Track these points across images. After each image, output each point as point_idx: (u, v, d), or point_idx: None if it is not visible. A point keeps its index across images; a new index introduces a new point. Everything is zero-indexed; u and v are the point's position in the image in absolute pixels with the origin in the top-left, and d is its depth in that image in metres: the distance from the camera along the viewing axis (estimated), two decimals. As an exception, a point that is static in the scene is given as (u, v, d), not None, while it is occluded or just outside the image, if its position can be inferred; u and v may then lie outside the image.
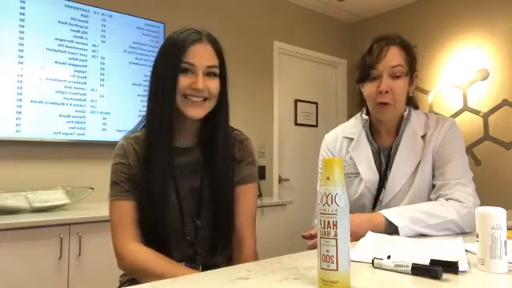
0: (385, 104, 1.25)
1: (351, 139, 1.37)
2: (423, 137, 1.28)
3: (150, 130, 1.05)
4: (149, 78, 1.09)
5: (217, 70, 1.05)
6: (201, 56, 1.02)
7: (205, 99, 1.03)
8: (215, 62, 1.05)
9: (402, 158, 1.27)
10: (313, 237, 1.09)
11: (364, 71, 1.27)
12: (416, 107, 1.36)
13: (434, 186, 1.24)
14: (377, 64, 1.24)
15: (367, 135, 1.34)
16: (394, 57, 1.24)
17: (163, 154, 1.03)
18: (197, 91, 1.01)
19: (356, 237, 1.02)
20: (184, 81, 1.01)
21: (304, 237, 1.11)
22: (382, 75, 1.24)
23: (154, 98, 1.04)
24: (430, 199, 1.23)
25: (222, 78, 1.07)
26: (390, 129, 1.33)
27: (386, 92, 1.23)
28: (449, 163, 1.22)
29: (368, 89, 1.28)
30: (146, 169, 1.03)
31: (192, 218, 1.07)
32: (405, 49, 1.26)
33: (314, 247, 1.06)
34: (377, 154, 1.31)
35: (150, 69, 1.09)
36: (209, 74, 1.03)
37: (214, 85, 1.04)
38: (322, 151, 1.44)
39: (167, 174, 1.04)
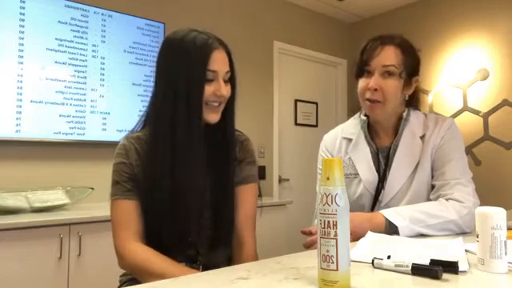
0: (373, 101, 1.25)
1: (350, 140, 1.37)
2: (422, 137, 1.28)
3: (165, 134, 1.02)
4: (153, 78, 1.08)
5: (229, 74, 1.07)
6: (221, 63, 1.03)
7: (220, 103, 1.05)
8: (229, 67, 1.07)
9: (400, 158, 1.27)
10: (311, 234, 1.08)
11: (358, 67, 1.29)
12: (417, 108, 1.36)
13: (433, 187, 1.24)
14: (370, 61, 1.24)
15: (366, 136, 1.34)
16: (387, 56, 1.23)
17: (197, 158, 1.03)
18: (220, 98, 1.03)
19: (356, 236, 1.02)
20: (208, 89, 1.02)
21: (303, 232, 1.10)
22: (374, 73, 1.24)
23: (172, 103, 1.02)
24: (429, 199, 1.23)
25: (232, 81, 1.09)
26: (388, 129, 1.33)
27: (376, 90, 1.23)
28: (448, 163, 1.22)
29: (359, 84, 1.29)
30: (168, 169, 1.01)
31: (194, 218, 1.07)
32: (402, 50, 1.25)
33: (309, 245, 1.06)
34: (375, 155, 1.31)
35: (154, 68, 1.08)
36: (224, 78, 1.05)
37: (228, 89, 1.07)
38: (321, 152, 1.44)
39: (201, 181, 1.04)
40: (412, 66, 1.27)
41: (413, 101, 1.34)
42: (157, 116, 1.06)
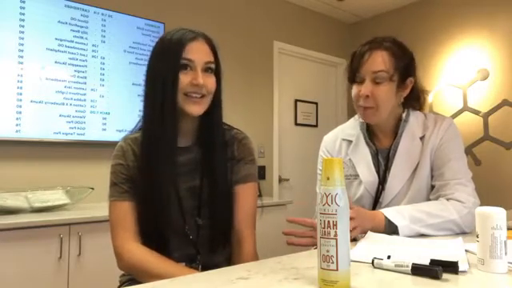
0: (366, 108, 1.25)
1: (350, 141, 1.37)
2: (422, 138, 1.28)
3: (150, 130, 1.05)
4: (144, 80, 1.09)
5: (213, 66, 1.07)
6: (199, 52, 1.03)
7: (202, 96, 1.04)
8: (211, 58, 1.06)
9: (400, 159, 1.27)
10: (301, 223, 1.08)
11: (349, 73, 1.29)
12: (419, 109, 1.35)
13: (433, 187, 1.24)
14: (359, 68, 1.25)
15: (365, 137, 1.34)
16: (376, 62, 1.23)
17: (168, 153, 1.03)
18: (197, 87, 1.02)
19: (361, 230, 1.03)
20: (184, 78, 1.01)
21: (288, 220, 1.09)
22: (365, 79, 1.24)
23: (152, 98, 1.04)
24: (429, 200, 1.23)
25: (217, 75, 1.08)
26: (387, 131, 1.33)
27: (367, 96, 1.23)
28: (448, 163, 1.22)
29: (353, 91, 1.29)
30: (146, 169, 1.03)
31: (193, 217, 1.08)
32: (392, 53, 1.23)
33: (291, 244, 1.05)
34: (375, 156, 1.31)
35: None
36: (206, 69, 1.05)
37: (211, 81, 1.05)
38: (321, 153, 1.44)
39: (172, 174, 1.04)
40: (404, 68, 1.25)
41: (412, 101, 1.33)
42: (143, 113, 1.08)
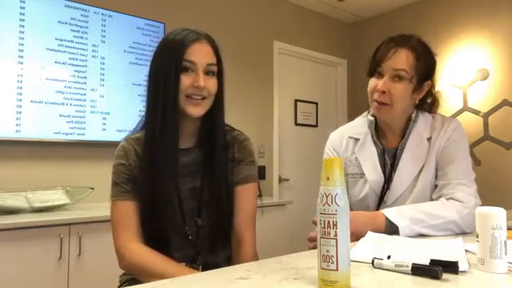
0: (380, 103, 1.25)
1: (357, 139, 1.37)
2: (429, 139, 1.28)
3: (152, 131, 1.05)
4: (146, 80, 1.09)
5: (215, 69, 1.07)
6: (201, 54, 1.03)
7: (203, 98, 1.04)
8: (214, 60, 1.06)
9: (407, 159, 1.27)
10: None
11: (370, 67, 1.29)
12: (429, 112, 1.35)
13: (436, 186, 1.24)
14: (382, 63, 1.25)
15: (372, 136, 1.34)
16: (399, 60, 1.22)
17: (170, 154, 1.03)
18: (198, 89, 1.02)
19: (358, 237, 1.02)
20: (185, 80, 1.01)
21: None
22: (385, 75, 1.24)
23: (154, 98, 1.04)
24: (432, 199, 1.23)
25: (219, 76, 1.08)
26: (396, 130, 1.33)
27: (384, 92, 1.23)
28: (452, 164, 1.22)
29: (370, 84, 1.29)
30: (148, 169, 1.03)
31: (193, 218, 1.08)
32: (416, 54, 1.23)
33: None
34: (381, 155, 1.31)
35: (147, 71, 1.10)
36: (208, 72, 1.05)
37: (212, 84, 1.05)
38: (327, 150, 1.44)
39: (173, 175, 1.04)
40: (424, 71, 1.25)
41: (425, 104, 1.33)
42: (145, 113, 1.08)
